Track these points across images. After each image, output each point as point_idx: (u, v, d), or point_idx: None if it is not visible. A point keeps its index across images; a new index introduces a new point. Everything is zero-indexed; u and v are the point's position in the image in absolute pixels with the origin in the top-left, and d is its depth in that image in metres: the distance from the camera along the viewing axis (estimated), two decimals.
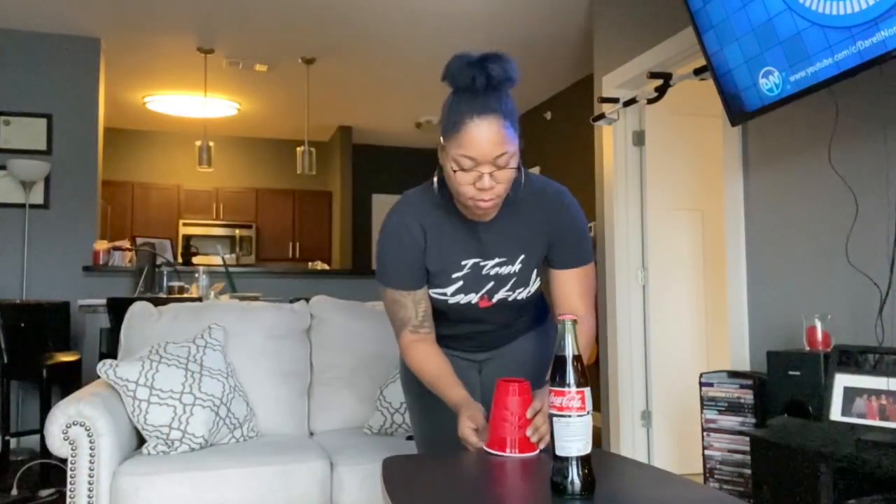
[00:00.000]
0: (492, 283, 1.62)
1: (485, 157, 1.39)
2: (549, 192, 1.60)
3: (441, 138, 1.46)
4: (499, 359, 1.81)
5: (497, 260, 1.60)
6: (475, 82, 1.39)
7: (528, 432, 1.40)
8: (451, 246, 1.59)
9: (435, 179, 1.57)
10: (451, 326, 1.72)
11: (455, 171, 1.42)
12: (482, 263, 1.60)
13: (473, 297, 1.62)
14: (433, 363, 1.60)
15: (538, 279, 1.66)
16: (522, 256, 1.61)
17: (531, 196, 1.59)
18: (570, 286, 1.63)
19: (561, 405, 1.14)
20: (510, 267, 1.61)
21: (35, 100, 5.07)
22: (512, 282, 1.62)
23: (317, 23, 4.93)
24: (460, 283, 1.61)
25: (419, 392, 1.77)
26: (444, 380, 1.57)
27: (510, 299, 1.64)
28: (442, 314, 1.68)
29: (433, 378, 1.59)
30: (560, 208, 1.59)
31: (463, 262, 1.60)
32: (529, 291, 1.65)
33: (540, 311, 1.84)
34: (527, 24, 4.93)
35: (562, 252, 1.62)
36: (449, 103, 1.44)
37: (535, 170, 6.89)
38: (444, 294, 1.62)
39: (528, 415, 1.40)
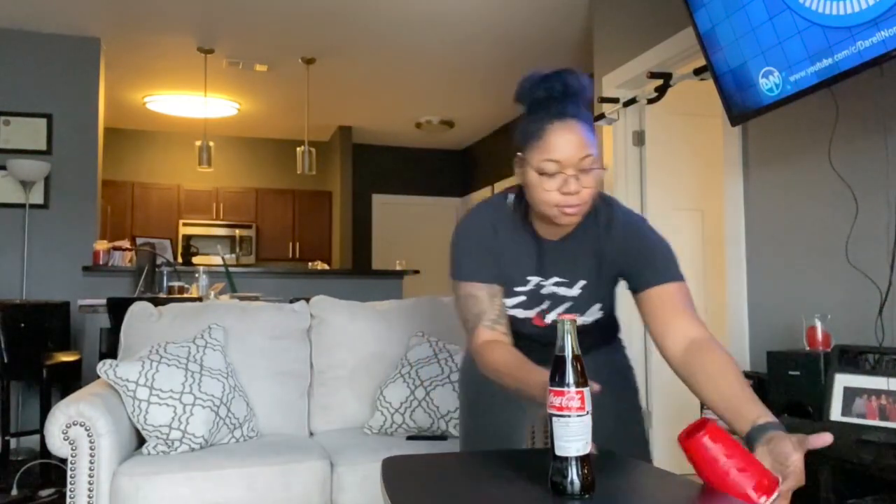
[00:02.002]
0: (547, 303, 1.61)
1: (569, 160, 1.39)
2: (622, 217, 1.56)
3: (518, 153, 1.47)
4: None
5: (555, 280, 1.58)
6: (553, 91, 1.42)
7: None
8: (518, 259, 1.58)
9: (511, 195, 1.58)
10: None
11: (541, 176, 1.42)
12: (542, 283, 1.59)
13: (530, 314, 1.62)
14: (513, 356, 1.45)
15: (601, 312, 1.61)
16: (583, 283, 1.57)
17: (604, 218, 1.56)
18: (678, 307, 1.45)
19: (560, 405, 1.14)
20: (569, 290, 1.58)
21: (35, 100, 5.07)
22: (567, 306, 1.60)
23: (317, 23, 4.93)
24: (522, 297, 1.60)
25: (477, 392, 1.77)
26: (527, 365, 1.40)
27: None
28: None
29: (513, 368, 1.41)
30: (632, 228, 1.55)
31: (528, 278, 1.59)
32: (585, 321, 1.61)
33: (607, 332, 1.76)
34: (527, 24, 4.93)
35: (650, 266, 1.50)
36: (525, 117, 1.46)
37: None
38: (504, 305, 1.59)
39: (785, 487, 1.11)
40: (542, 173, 1.41)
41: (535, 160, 1.42)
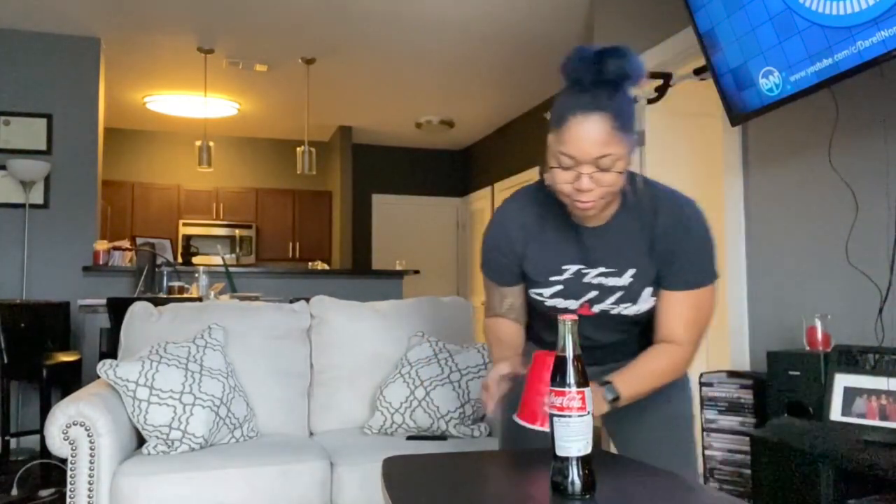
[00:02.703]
0: (595, 293, 1.52)
1: (586, 157, 1.31)
2: (669, 203, 1.48)
3: (549, 133, 1.39)
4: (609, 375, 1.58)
5: (602, 269, 1.50)
6: (585, 77, 1.32)
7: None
8: (554, 248, 1.52)
9: (544, 176, 1.48)
10: (553, 333, 1.56)
11: (553, 168, 1.36)
12: (584, 271, 1.51)
13: (573, 304, 1.53)
14: (502, 331, 1.63)
15: (653, 299, 1.51)
16: (633, 271, 1.48)
17: (649, 204, 1.47)
18: (676, 310, 1.48)
19: (561, 405, 1.14)
20: (617, 279, 1.49)
21: (35, 100, 5.07)
22: (618, 295, 1.50)
23: (317, 23, 4.93)
24: (559, 286, 1.53)
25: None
26: (500, 346, 1.62)
27: (613, 312, 1.53)
28: (543, 317, 1.61)
29: (493, 342, 1.63)
30: (677, 220, 1.46)
31: (564, 267, 1.52)
32: (639, 310, 1.52)
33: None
34: (526, 24, 4.93)
35: (671, 270, 1.47)
36: (559, 97, 1.37)
37: (534, 170, 6.89)
38: (541, 295, 1.55)
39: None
40: (557, 164, 1.36)
41: (554, 148, 1.36)
